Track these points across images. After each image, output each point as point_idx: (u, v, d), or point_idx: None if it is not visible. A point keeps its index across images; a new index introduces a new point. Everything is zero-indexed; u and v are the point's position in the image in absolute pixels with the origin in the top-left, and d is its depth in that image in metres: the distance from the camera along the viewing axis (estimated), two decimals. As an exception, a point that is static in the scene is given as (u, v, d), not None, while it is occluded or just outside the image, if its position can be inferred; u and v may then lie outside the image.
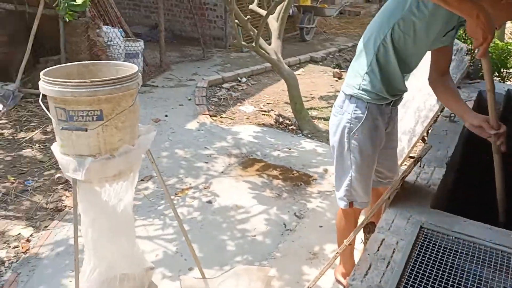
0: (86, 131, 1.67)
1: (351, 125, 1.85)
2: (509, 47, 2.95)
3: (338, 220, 2.15)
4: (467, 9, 1.41)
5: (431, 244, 1.30)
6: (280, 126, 4.82)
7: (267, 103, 5.47)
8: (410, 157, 3.00)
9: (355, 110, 1.84)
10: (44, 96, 1.68)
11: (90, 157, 1.71)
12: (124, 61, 5.63)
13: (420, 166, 1.63)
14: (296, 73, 6.74)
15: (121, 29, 5.68)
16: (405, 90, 1.91)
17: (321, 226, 2.92)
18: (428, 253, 1.26)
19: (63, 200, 3.15)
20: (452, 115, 2.18)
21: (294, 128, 4.77)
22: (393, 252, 1.27)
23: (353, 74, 1.88)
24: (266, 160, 3.86)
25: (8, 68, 5.34)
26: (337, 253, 1.62)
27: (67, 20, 3.08)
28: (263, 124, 4.79)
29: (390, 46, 1.74)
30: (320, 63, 7.46)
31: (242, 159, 3.87)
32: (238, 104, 5.39)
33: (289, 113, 5.09)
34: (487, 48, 1.46)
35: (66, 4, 2.86)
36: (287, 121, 4.92)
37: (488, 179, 2.07)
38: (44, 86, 1.65)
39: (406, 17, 1.68)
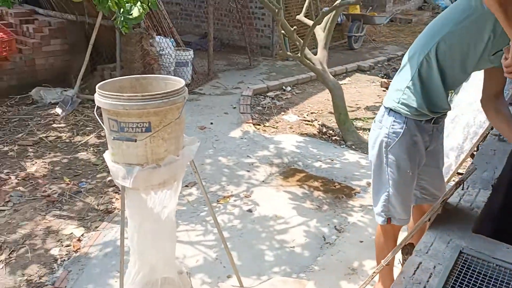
0: (135, 141, 1.77)
1: (389, 139, 1.85)
2: None
3: (377, 237, 2.13)
4: None
5: (470, 271, 1.27)
6: (323, 136, 4.80)
7: (311, 113, 5.47)
8: (458, 173, 2.91)
9: (393, 125, 1.84)
10: (99, 107, 1.81)
11: (138, 166, 1.81)
12: (174, 69, 5.86)
13: (463, 189, 1.59)
14: (342, 82, 6.70)
15: (172, 39, 5.90)
16: (448, 108, 1.87)
17: (361, 241, 2.89)
18: (467, 279, 1.24)
19: (113, 203, 3.32)
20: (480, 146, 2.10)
21: (338, 138, 4.74)
22: (430, 277, 1.25)
23: (395, 88, 1.88)
24: (307, 171, 3.87)
25: (68, 75, 5.71)
26: (374, 272, 1.62)
27: (124, 32, 3.25)
28: (306, 134, 4.80)
29: (434, 61, 1.73)
30: (368, 72, 7.35)
31: (283, 169, 3.90)
32: (282, 113, 5.43)
33: (333, 123, 5.06)
34: None
35: (123, 18, 3.01)
36: (331, 132, 4.89)
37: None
38: (99, 98, 1.77)
39: (455, 31, 1.66)
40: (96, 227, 3.03)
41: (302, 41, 4.56)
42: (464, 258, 1.32)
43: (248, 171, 3.86)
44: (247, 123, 4.91)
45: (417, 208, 2.12)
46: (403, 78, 1.84)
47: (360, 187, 3.59)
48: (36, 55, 5.55)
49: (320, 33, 4.91)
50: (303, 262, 2.71)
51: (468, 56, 1.71)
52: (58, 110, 4.89)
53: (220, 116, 5.12)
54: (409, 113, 1.80)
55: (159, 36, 5.63)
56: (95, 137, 4.38)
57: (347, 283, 2.51)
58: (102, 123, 1.83)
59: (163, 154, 1.85)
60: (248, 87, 6.13)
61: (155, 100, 1.74)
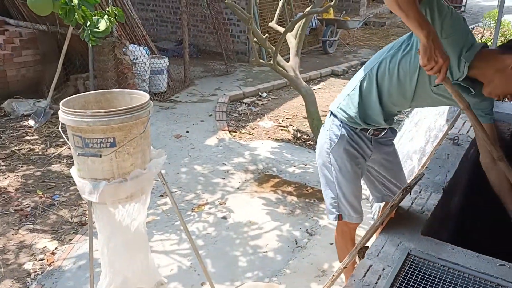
0: (101, 157, 1.81)
1: (330, 141, 1.98)
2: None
3: (336, 238, 2.24)
4: (426, 27, 1.42)
5: (417, 271, 1.35)
6: (298, 141, 4.89)
7: (286, 118, 5.56)
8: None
9: (331, 128, 1.98)
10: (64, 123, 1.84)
11: (104, 181, 1.85)
12: (149, 77, 5.87)
13: (409, 194, 1.67)
14: (316, 87, 6.82)
15: (146, 47, 5.92)
16: (384, 125, 1.94)
17: (331, 244, 2.97)
18: (413, 280, 1.32)
19: (86, 215, 3.31)
20: (456, 137, 2.20)
21: (312, 143, 4.82)
22: (378, 279, 1.33)
23: (342, 93, 2.01)
24: (281, 176, 3.94)
25: (41, 86, 5.67)
26: (333, 275, 1.69)
27: (91, 45, 3.28)
28: (281, 139, 4.88)
29: (374, 79, 1.83)
30: (342, 76, 7.50)
31: (258, 175, 3.96)
32: (258, 119, 5.51)
33: (307, 128, 5.15)
34: (446, 70, 1.47)
35: (89, 31, 3.04)
36: (305, 136, 4.98)
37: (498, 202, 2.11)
38: (63, 115, 1.80)
39: (395, 55, 1.76)
40: (70, 240, 3.04)
41: (274, 48, 4.64)
42: (411, 260, 1.40)
43: (223, 178, 3.91)
44: (222, 130, 4.97)
45: (386, 205, 2.22)
46: (350, 85, 1.96)
47: (331, 190, 3.68)
48: (7, 67, 5.49)
49: (291, 40, 4.99)
50: (276, 266, 2.77)
51: (405, 82, 1.78)
52: (31, 122, 4.86)
53: (196, 124, 5.16)
54: (345, 119, 1.94)
55: (132, 45, 5.64)
56: (68, 148, 4.37)
57: (317, 285, 2.59)
58: (67, 139, 1.86)
59: (129, 168, 1.89)
60: (224, 94, 6.18)
61: (119, 116, 1.78)
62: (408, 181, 1.79)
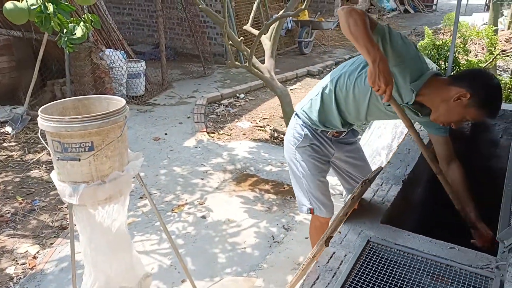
0: (79, 160, 1.89)
1: (295, 139, 2.12)
2: (480, 65, 3.13)
3: (310, 232, 2.37)
4: (373, 53, 1.56)
5: (375, 256, 1.48)
6: (275, 141, 5.02)
7: (264, 118, 5.68)
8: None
9: (295, 127, 2.11)
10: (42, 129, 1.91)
11: (84, 184, 1.93)
12: (126, 81, 5.92)
13: (370, 187, 1.81)
14: (293, 87, 6.97)
15: (123, 51, 5.96)
16: (342, 129, 2.07)
17: (306, 238, 3.10)
18: (371, 264, 1.45)
19: (67, 219, 3.38)
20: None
21: (289, 142, 4.96)
22: (340, 264, 1.45)
23: (307, 95, 2.13)
24: (259, 175, 4.06)
25: (17, 92, 5.65)
26: (303, 264, 1.81)
27: (68, 52, 3.33)
28: (258, 139, 5.00)
29: (333, 90, 1.97)
30: (317, 76, 7.67)
31: (236, 175, 4.07)
32: (236, 120, 5.61)
33: (284, 127, 5.29)
34: (391, 93, 1.60)
35: (66, 38, 3.09)
36: (282, 136, 5.11)
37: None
38: (42, 122, 1.87)
39: (352, 73, 1.89)
40: (51, 244, 3.08)
41: (249, 50, 4.75)
42: (371, 246, 1.53)
43: (202, 179, 4.00)
44: (201, 132, 5.06)
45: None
46: (314, 89, 2.09)
47: (307, 187, 3.81)
48: (-18, 74, 5.47)
49: (266, 42, 5.12)
50: (253, 261, 2.89)
51: (360, 99, 1.92)
52: (8, 129, 4.85)
53: (175, 126, 5.24)
54: (307, 120, 2.08)
55: (109, 49, 5.68)
56: (47, 154, 4.40)
57: (293, 277, 2.71)
58: (47, 144, 1.93)
59: (107, 171, 1.97)
60: (202, 96, 6.27)
61: (96, 121, 1.86)
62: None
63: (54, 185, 3.87)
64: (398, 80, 1.75)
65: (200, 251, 3.00)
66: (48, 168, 4.12)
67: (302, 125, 2.10)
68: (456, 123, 1.81)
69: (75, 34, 3.14)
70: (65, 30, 3.08)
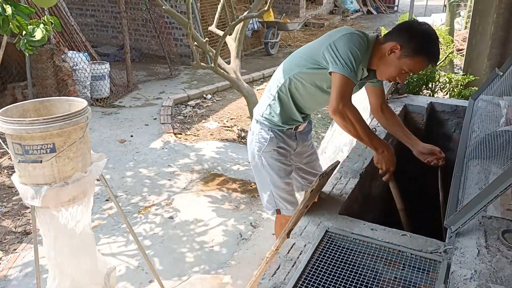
0: (41, 162, 1.88)
1: (260, 144, 2.13)
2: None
3: (275, 230, 2.44)
4: (376, 145, 1.85)
5: (333, 245, 1.56)
6: (242, 140, 5.07)
7: (231, 119, 5.73)
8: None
9: (260, 132, 2.13)
10: (2, 132, 1.89)
11: (46, 186, 1.92)
12: (90, 83, 5.83)
13: (327, 180, 1.89)
14: (259, 87, 7.05)
15: (86, 53, 5.87)
16: (301, 121, 2.15)
17: (273, 234, 3.16)
18: (329, 252, 1.52)
19: (30, 224, 3.31)
20: (374, 129, 2.46)
21: (255, 141, 5.02)
22: (300, 254, 1.52)
23: (263, 100, 2.16)
24: (226, 175, 4.10)
25: (-25, 96, 5.46)
26: (266, 257, 1.87)
27: (28, 54, 3.27)
28: (226, 139, 5.04)
29: (287, 91, 2.03)
30: (284, 76, 7.76)
31: (203, 175, 4.10)
32: (203, 121, 5.63)
33: (251, 127, 5.35)
34: (391, 175, 1.88)
35: (25, 40, 3.04)
36: (249, 135, 5.17)
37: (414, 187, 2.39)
38: (1, 124, 1.85)
39: (306, 72, 1.95)
40: (15, 250, 3.02)
41: (214, 51, 4.79)
42: (329, 236, 1.60)
43: (169, 180, 4.01)
44: (168, 133, 5.05)
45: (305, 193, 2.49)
46: (269, 93, 2.11)
47: (273, 185, 3.89)
48: None
49: (231, 43, 5.17)
50: (221, 259, 2.93)
51: (317, 92, 2.01)
52: (-33, 134, 4.69)
53: (141, 128, 5.21)
54: (270, 125, 2.11)
55: (71, 51, 5.58)
56: (8, 159, 4.29)
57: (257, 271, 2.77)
58: (7, 147, 1.91)
59: (70, 172, 1.97)
60: (168, 97, 6.25)
61: (57, 122, 1.86)
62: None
63: (17, 190, 3.80)
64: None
65: (167, 251, 3.01)
66: (10, 173, 4.02)
67: (268, 129, 2.11)
68: (399, 77, 1.87)
69: (34, 36, 3.09)
70: (24, 32, 3.04)
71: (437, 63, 1.83)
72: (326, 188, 1.91)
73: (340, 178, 2.00)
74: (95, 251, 2.34)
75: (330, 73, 1.80)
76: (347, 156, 2.23)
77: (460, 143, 2.21)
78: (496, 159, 1.87)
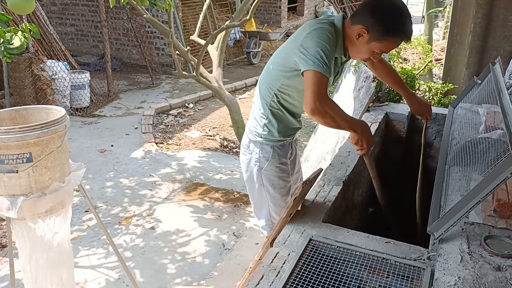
0: (17, 172, 1.82)
1: (260, 163, 2.04)
2: (413, 72, 3.33)
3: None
4: (354, 128, 1.76)
5: (316, 254, 1.54)
6: (225, 149, 5.05)
7: (213, 128, 5.70)
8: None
9: (261, 151, 2.03)
10: (-24, 142, 1.83)
11: (22, 196, 1.86)
12: (70, 93, 5.73)
13: (310, 188, 1.88)
14: (242, 96, 7.05)
15: (66, 62, 5.78)
16: (300, 126, 2.10)
17: (257, 243, 3.14)
18: (313, 261, 1.50)
19: (7, 236, 3.21)
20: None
21: (238, 150, 5.00)
22: (284, 263, 1.50)
23: (254, 121, 2.06)
24: (208, 184, 4.06)
25: (-51, 106, 5.30)
26: (250, 267, 1.84)
27: (8, 65, 3.20)
28: (208, 148, 5.00)
29: (279, 105, 1.96)
30: (266, 85, 7.78)
31: (185, 184, 4.05)
32: (185, 130, 5.59)
33: (234, 136, 5.33)
34: (367, 151, 1.84)
35: (2, 48, 2.97)
36: (232, 144, 5.15)
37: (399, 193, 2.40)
38: (-25, 133, 1.79)
39: (287, 83, 1.89)
40: (-11, 264, 2.92)
41: (197, 60, 4.77)
42: (312, 244, 1.59)
43: (151, 190, 3.95)
44: (149, 142, 4.99)
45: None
46: (260, 111, 2.01)
47: (256, 194, 3.86)
48: None
49: (213, 52, 5.16)
50: (204, 270, 2.88)
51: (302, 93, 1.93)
52: None
53: (121, 137, 5.13)
54: (273, 142, 2.02)
55: (51, 60, 5.49)
56: (-16, 170, 4.16)
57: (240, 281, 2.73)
58: (-19, 157, 1.84)
59: (47, 182, 1.91)
60: (150, 107, 6.19)
61: (34, 131, 1.80)
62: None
63: (-8, 202, 3.66)
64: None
65: (149, 262, 2.95)
66: (-16, 184, 3.90)
67: (270, 147, 2.03)
68: (373, 57, 1.83)
69: (12, 44, 3.02)
70: (1, 40, 2.97)
71: (410, 39, 1.76)
72: (310, 196, 1.90)
73: (323, 186, 1.99)
74: (72, 265, 2.27)
75: (302, 74, 1.72)
76: (330, 164, 2.22)
77: (441, 150, 2.23)
78: (476, 165, 1.89)
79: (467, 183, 1.85)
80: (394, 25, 1.71)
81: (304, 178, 2.60)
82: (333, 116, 1.70)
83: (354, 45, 1.80)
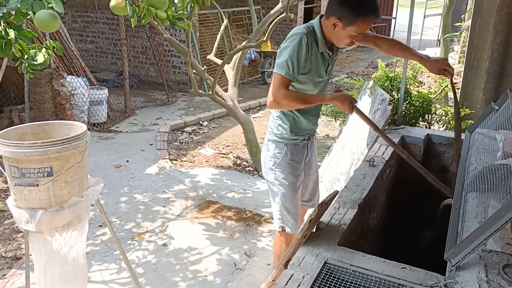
0: (37, 186, 1.86)
1: (275, 159, 2.29)
2: (430, 95, 3.34)
3: (276, 247, 2.52)
4: (329, 100, 2.08)
5: (331, 277, 1.53)
6: (238, 167, 5.06)
7: (227, 146, 5.73)
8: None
9: (275, 149, 2.29)
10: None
11: (41, 210, 1.90)
12: (88, 108, 5.84)
13: (326, 210, 1.88)
14: (256, 115, 7.10)
15: (85, 78, 5.91)
16: (313, 129, 2.35)
17: (268, 264, 3.12)
18: (328, 285, 1.50)
19: (21, 249, 3.25)
20: (372, 159, 2.47)
21: (251, 169, 5.02)
22: (298, 286, 1.49)
23: (271, 122, 2.34)
24: (221, 202, 4.07)
25: (-29, 118, 5.44)
26: (273, 280, 1.84)
27: (30, 80, 3.29)
28: (221, 166, 5.02)
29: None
30: (280, 105, 7.82)
31: (198, 202, 4.06)
32: (199, 147, 5.63)
33: (247, 154, 5.35)
34: (357, 109, 2.01)
35: (27, 64, 3.06)
36: (245, 163, 5.17)
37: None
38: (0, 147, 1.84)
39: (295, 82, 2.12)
40: (4, 275, 2.94)
41: (213, 79, 4.84)
42: (328, 267, 1.58)
43: (164, 206, 3.96)
44: (163, 159, 5.03)
45: (301, 213, 2.59)
46: (275, 114, 2.30)
47: (269, 213, 3.85)
48: None
49: (229, 71, 5.23)
50: (215, 289, 2.87)
51: (312, 91, 2.20)
52: (-40, 156, 4.65)
53: (137, 153, 5.19)
54: (286, 140, 2.27)
55: (71, 76, 5.61)
56: (2, 182, 4.24)
57: (254, 304, 2.71)
58: (4, 170, 1.89)
59: (66, 197, 1.95)
60: (165, 123, 6.26)
61: (56, 146, 1.85)
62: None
63: (9, 214, 3.75)
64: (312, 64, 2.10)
65: (160, 279, 2.95)
66: (2, 196, 3.97)
67: (283, 145, 2.27)
68: (354, 40, 2.03)
69: (36, 60, 3.11)
70: (26, 56, 3.06)
71: (379, 15, 1.96)
72: (325, 218, 1.90)
73: (338, 208, 1.99)
74: (85, 279, 2.28)
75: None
76: (345, 186, 2.22)
77: (458, 176, 2.22)
78: (494, 192, 1.87)
79: (484, 210, 1.83)
80: (360, 7, 1.93)
81: (319, 200, 2.63)
82: (291, 103, 2.05)
83: (334, 35, 2.03)
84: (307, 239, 1.74)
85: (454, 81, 7.39)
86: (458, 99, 4.02)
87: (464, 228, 1.73)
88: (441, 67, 2.25)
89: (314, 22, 2.09)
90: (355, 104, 2.02)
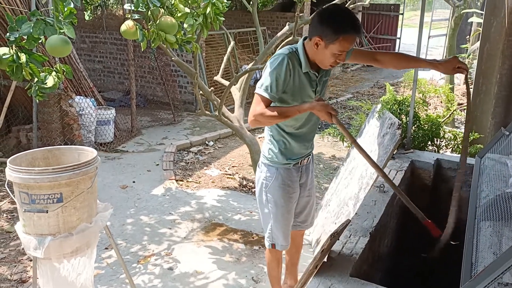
0: (47, 212, 1.85)
1: (266, 181, 2.35)
2: (438, 119, 3.33)
3: (268, 263, 2.63)
4: (307, 109, 1.99)
5: (345, 310, 1.50)
6: (244, 189, 5.04)
7: (232, 166, 5.72)
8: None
9: (267, 172, 2.31)
10: (10, 180, 1.88)
11: (50, 236, 1.89)
12: (95, 128, 5.87)
13: (338, 239, 1.86)
14: (261, 135, 7.10)
15: (93, 99, 5.96)
16: (306, 153, 2.34)
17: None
18: (341, 318, 1.47)
19: (27, 271, 3.22)
20: (382, 185, 2.45)
21: (258, 191, 4.99)
22: (311, 319, 1.46)
23: (264, 145, 2.39)
24: (227, 224, 4.04)
25: (-20, 137, 5.48)
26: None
27: (38, 101, 3.31)
28: (227, 187, 5.00)
29: (277, 130, 2.25)
30: (286, 125, 7.83)
31: (204, 224, 4.03)
32: (205, 168, 5.62)
33: (253, 175, 5.33)
34: (336, 119, 1.94)
35: (37, 87, 3.08)
36: (251, 184, 5.14)
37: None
38: (10, 172, 1.85)
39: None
40: (8, 299, 2.92)
41: (219, 100, 4.86)
42: (340, 300, 1.55)
43: (170, 228, 3.94)
44: (169, 179, 5.02)
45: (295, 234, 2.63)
46: (267, 138, 2.33)
47: (276, 237, 3.81)
48: None
49: (236, 92, 5.26)
50: (222, 316, 2.82)
51: (300, 115, 2.18)
52: (-32, 176, 4.67)
53: (143, 174, 5.19)
54: (277, 164, 2.30)
55: (79, 96, 5.66)
56: (8, 202, 4.23)
57: (262, 332, 2.66)
58: (13, 195, 1.89)
59: (75, 223, 1.94)
60: (171, 144, 6.27)
61: (66, 172, 1.85)
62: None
63: (15, 236, 3.73)
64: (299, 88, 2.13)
65: (167, 305, 2.91)
66: (9, 217, 3.96)
67: (276, 168, 2.29)
68: (338, 59, 2.00)
69: (46, 83, 3.14)
70: (36, 79, 3.09)
71: (359, 31, 1.94)
72: (336, 247, 1.87)
73: (349, 237, 1.96)
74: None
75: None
76: (356, 213, 2.20)
77: (470, 203, 2.19)
78: (508, 221, 1.84)
79: (499, 240, 1.80)
80: (340, 24, 1.93)
81: (327, 224, 2.61)
82: (269, 120, 2.04)
83: (317, 56, 2.03)
84: (319, 270, 1.72)
85: (460, 101, 7.35)
86: (465, 121, 4.02)
87: (479, 259, 1.70)
88: (454, 65, 2.21)
89: (298, 43, 2.12)
90: (335, 114, 1.95)
